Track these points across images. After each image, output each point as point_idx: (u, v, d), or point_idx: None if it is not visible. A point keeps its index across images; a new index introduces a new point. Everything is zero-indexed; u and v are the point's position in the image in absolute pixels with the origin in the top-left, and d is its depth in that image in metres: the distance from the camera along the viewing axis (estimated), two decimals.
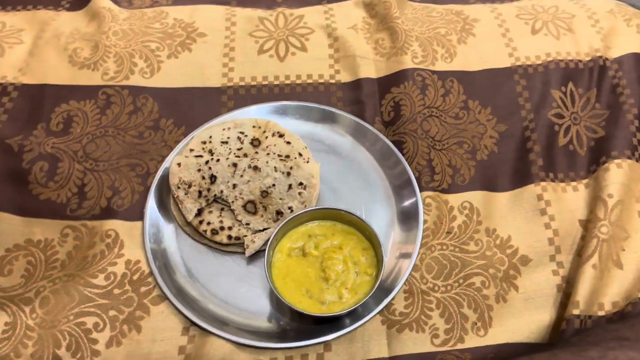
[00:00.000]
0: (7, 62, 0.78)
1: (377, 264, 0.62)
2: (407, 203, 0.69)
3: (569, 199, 0.70)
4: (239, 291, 0.63)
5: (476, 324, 0.61)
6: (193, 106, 0.76)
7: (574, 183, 0.71)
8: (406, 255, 0.65)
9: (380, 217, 0.69)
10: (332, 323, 0.60)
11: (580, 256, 0.65)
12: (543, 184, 0.70)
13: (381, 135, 0.73)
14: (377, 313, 0.61)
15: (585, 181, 0.71)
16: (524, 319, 0.62)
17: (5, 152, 0.70)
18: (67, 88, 0.76)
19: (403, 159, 0.71)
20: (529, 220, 0.68)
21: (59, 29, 0.82)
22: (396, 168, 0.71)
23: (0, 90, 0.75)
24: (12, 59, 0.79)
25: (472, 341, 0.60)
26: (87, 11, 0.85)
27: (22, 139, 0.71)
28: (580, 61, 0.80)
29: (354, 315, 0.61)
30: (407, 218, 0.68)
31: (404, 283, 0.63)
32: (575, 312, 0.59)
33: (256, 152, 0.70)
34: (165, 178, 0.69)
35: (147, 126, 0.74)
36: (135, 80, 0.77)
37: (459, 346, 0.60)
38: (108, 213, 0.67)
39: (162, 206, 0.69)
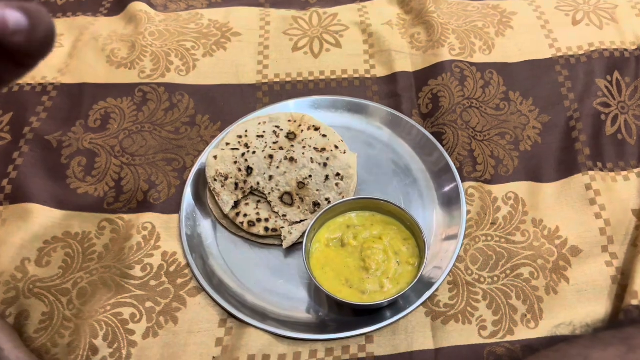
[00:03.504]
0: (47, 64, 0.80)
1: (419, 254, 0.60)
2: (447, 189, 0.66)
3: (619, 188, 0.67)
4: (276, 283, 0.62)
5: (526, 315, 0.58)
6: (229, 102, 0.76)
7: (624, 172, 0.68)
8: (449, 246, 0.62)
9: (421, 206, 0.66)
10: (373, 315, 0.58)
11: (635, 246, 0.61)
12: (591, 173, 0.67)
13: (419, 127, 0.71)
14: (421, 305, 0.58)
15: (636, 170, 0.68)
16: (577, 310, 0.58)
17: (44, 148, 0.70)
18: (105, 86, 0.77)
19: (443, 150, 0.69)
20: (577, 210, 0.65)
21: (97, 32, 0.84)
22: (436, 157, 0.69)
23: (40, 90, 0.76)
24: (52, 61, 0.80)
25: (522, 333, 0.56)
26: (124, 15, 0.87)
27: (60, 135, 0.71)
28: (625, 50, 0.78)
29: (396, 307, 0.58)
30: (449, 207, 0.65)
31: (448, 274, 0.60)
32: (634, 302, 0.56)
33: (292, 145, 0.69)
34: (201, 172, 0.69)
35: (183, 122, 0.74)
36: (171, 78, 0.77)
37: (509, 338, 0.56)
38: (145, 206, 0.66)
39: (199, 200, 0.68)
